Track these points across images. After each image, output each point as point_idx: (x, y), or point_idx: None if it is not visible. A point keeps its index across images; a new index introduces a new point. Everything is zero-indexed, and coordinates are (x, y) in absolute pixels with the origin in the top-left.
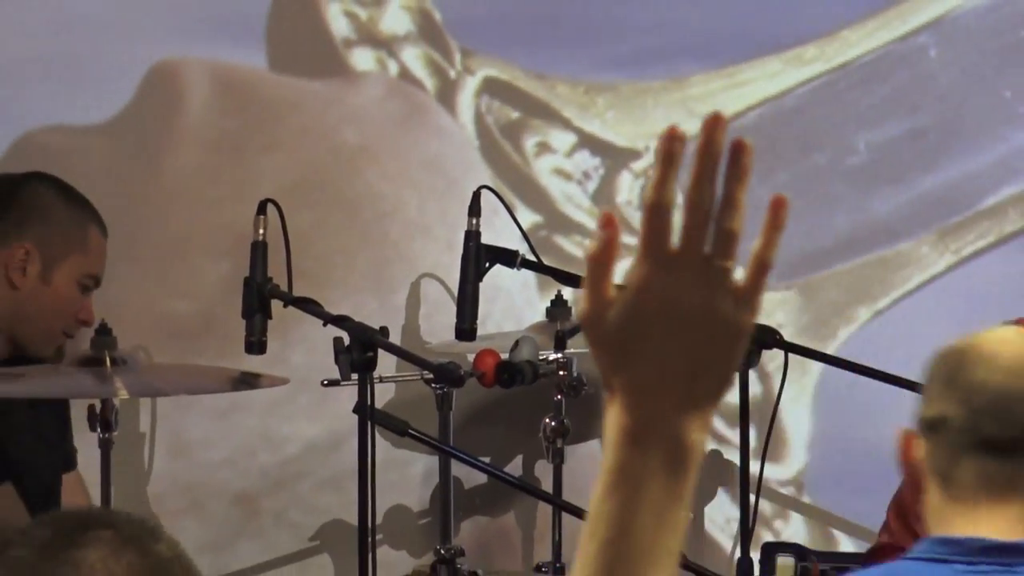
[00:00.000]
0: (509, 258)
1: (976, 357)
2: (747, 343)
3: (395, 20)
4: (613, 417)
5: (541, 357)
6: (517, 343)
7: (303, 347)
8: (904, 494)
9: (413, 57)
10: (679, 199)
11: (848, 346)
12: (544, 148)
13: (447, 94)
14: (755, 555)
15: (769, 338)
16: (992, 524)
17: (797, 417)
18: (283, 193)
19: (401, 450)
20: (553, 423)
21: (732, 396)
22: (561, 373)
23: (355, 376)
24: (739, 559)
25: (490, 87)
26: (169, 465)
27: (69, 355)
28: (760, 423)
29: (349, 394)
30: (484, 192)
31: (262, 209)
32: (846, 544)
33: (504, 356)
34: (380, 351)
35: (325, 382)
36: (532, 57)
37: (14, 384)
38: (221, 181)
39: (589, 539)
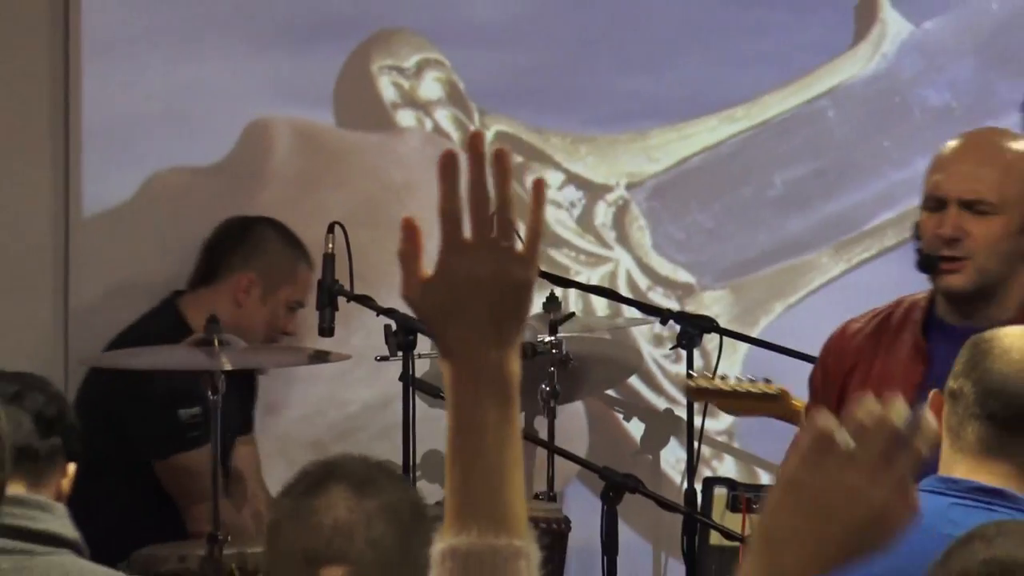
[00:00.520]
0: None
1: (995, 348)
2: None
3: (429, 88)
4: (447, 368)
5: (539, 339)
6: None
7: (361, 332)
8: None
9: (443, 116)
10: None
11: (767, 331)
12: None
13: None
14: (698, 487)
15: (708, 325)
16: (983, 474)
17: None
18: (347, 217)
19: (435, 408)
20: (547, 388)
21: (680, 369)
22: (553, 351)
23: (400, 353)
24: (686, 490)
25: (501, 138)
26: (262, 420)
27: (189, 339)
28: None
29: (396, 367)
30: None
31: (331, 229)
32: (765, 478)
33: None
34: (419, 335)
35: (378, 358)
36: (532, 116)
37: (153, 357)
38: (300, 209)
39: (453, 466)
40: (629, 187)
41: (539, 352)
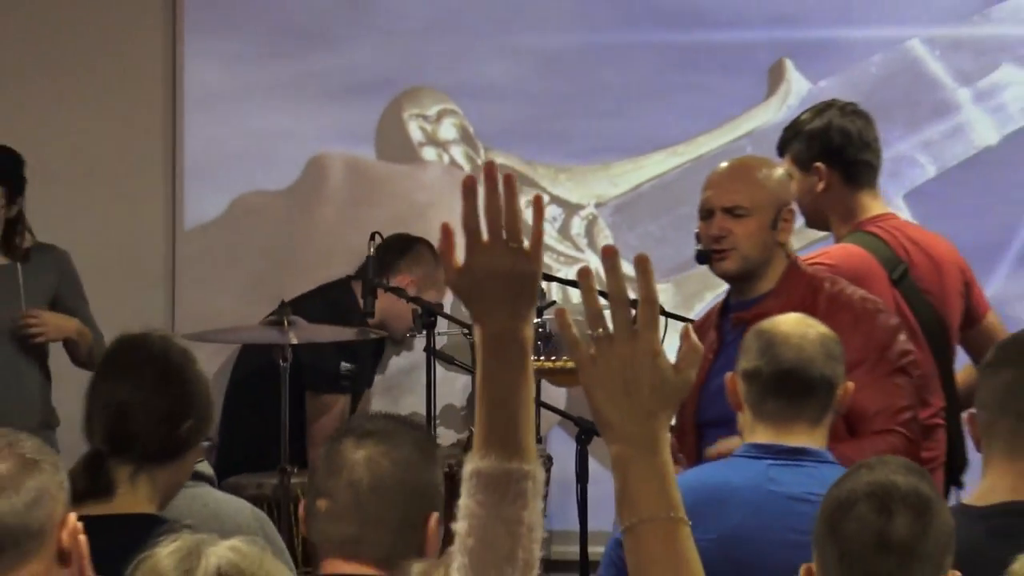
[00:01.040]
0: None
1: (778, 336)
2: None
3: (447, 131)
4: (479, 333)
5: None
6: None
7: None
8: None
9: (457, 152)
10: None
11: (700, 315)
12: (529, 204)
13: (476, 174)
14: None
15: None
16: (785, 437)
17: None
18: (383, 228)
19: (451, 373)
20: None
21: None
22: (539, 330)
23: (425, 331)
24: None
25: (500, 169)
26: None
27: (263, 319)
28: None
29: (420, 341)
30: None
31: (372, 237)
32: None
33: None
34: (439, 317)
35: (409, 334)
36: (524, 151)
37: (238, 334)
38: (348, 222)
39: (480, 406)
40: (597, 206)
41: None
